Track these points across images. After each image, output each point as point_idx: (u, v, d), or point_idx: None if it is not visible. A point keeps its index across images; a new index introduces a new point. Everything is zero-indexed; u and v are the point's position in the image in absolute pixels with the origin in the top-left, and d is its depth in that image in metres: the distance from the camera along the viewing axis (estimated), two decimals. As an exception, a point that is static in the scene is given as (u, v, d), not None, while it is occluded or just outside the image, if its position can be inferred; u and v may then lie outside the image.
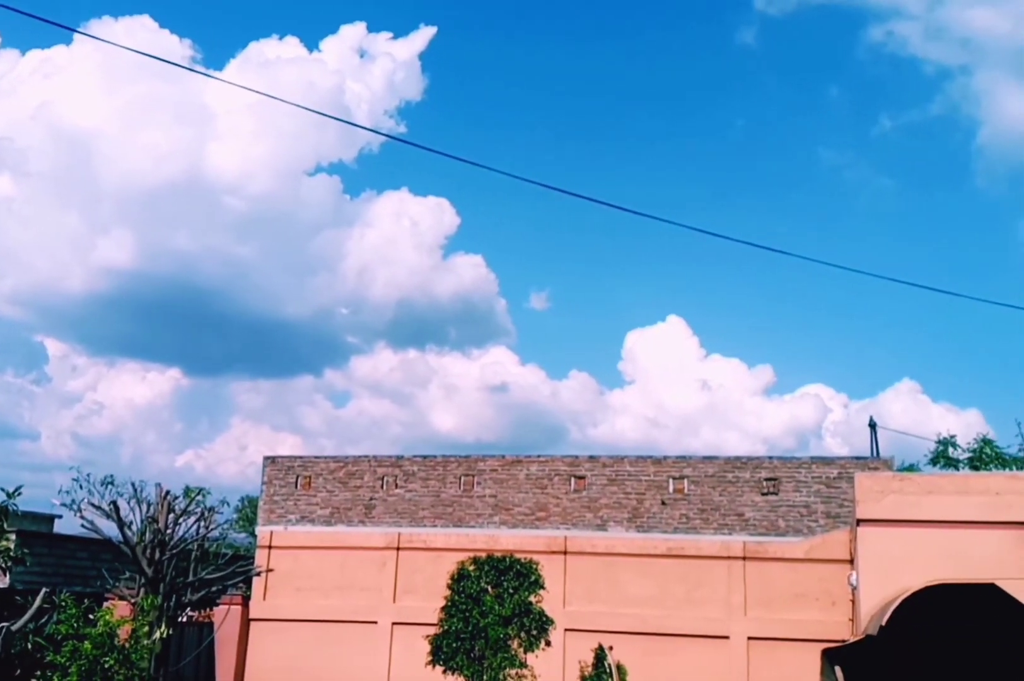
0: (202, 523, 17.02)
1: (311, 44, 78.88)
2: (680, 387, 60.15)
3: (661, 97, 66.64)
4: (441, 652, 17.95)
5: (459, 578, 18.31)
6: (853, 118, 64.54)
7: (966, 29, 57.16)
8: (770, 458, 18.87)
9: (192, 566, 16.86)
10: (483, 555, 18.36)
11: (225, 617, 18.76)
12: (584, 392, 66.28)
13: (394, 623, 18.68)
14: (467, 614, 17.93)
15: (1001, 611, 9.99)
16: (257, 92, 12.35)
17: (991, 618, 11.11)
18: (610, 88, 67.76)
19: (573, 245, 69.36)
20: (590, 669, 17.13)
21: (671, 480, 18.84)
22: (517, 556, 18.26)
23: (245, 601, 19.44)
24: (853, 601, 15.24)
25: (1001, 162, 60.31)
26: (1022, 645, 11.88)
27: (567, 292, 70.31)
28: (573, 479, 19.18)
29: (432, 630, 18.16)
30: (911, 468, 26.12)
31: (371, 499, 20.03)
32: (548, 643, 17.69)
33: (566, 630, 17.74)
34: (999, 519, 13.12)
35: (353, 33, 61.75)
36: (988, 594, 9.81)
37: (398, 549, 19.08)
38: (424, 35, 63.14)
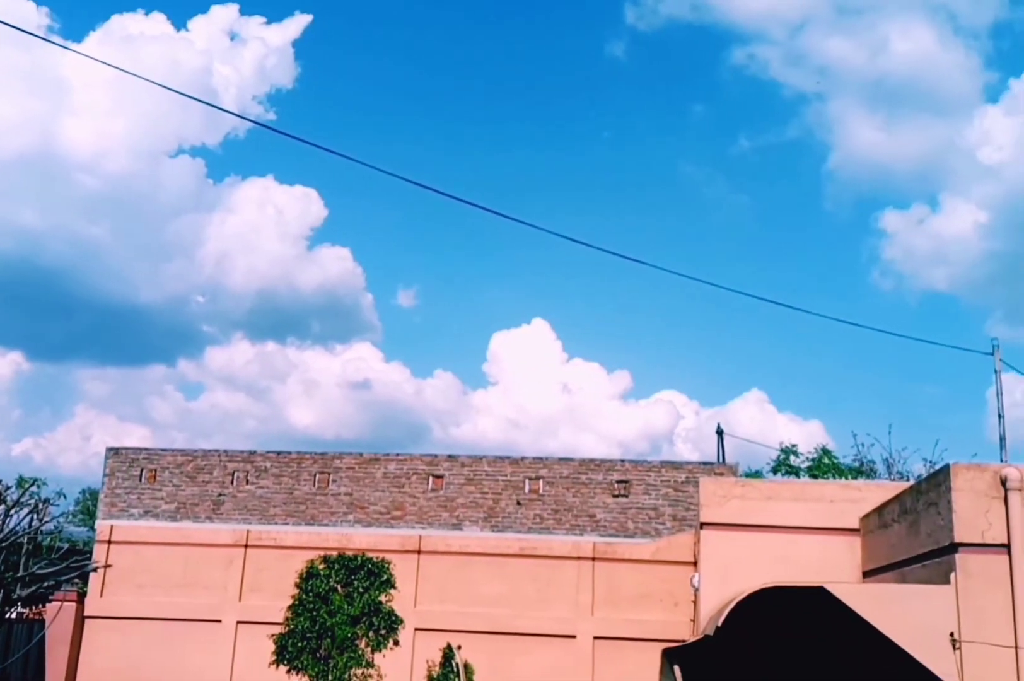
0: (35, 515, 16.19)
1: (179, 22, 76.12)
2: (542, 389, 60.93)
3: (533, 102, 67.49)
4: (286, 651, 17.67)
5: (308, 577, 18.04)
6: (714, 136, 66.98)
7: (823, 58, 60.09)
8: (622, 461, 19.32)
9: (23, 560, 16.01)
10: (335, 554, 18.15)
11: (57, 614, 17.90)
12: (448, 391, 66.31)
13: (239, 622, 18.22)
14: (314, 613, 17.70)
15: (829, 613, 10.53)
16: (116, 68, 11.82)
17: (819, 619, 11.69)
18: (483, 91, 68.17)
19: (443, 243, 69.34)
20: (437, 668, 17.17)
21: (527, 481, 19.04)
22: (370, 555, 18.13)
23: (80, 598, 18.60)
24: (695, 602, 15.76)
25: (848, 188, 63.68)
26: (846, 645, 12.54)
27: (435, 290, 70.21)
28: (431, 478, 19.16)
29: (278, 629, 17.84)
30: (755, 474, 27.23)
31: (220, 495, 19.48)
32: (396, 642, 17.64)
33: (416, 629, 17.70)
34: (832, 525, 13.81)
35: (224, 14, 60.01)
36: (818, 596, 10.32)
37: (246, 546, 18.62)
38: (299, 22, 61.94)
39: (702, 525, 14.53)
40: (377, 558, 18.07)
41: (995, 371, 21.94)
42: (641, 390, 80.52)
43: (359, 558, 18.06)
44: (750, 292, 18.68)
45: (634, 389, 69.19)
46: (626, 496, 18.85)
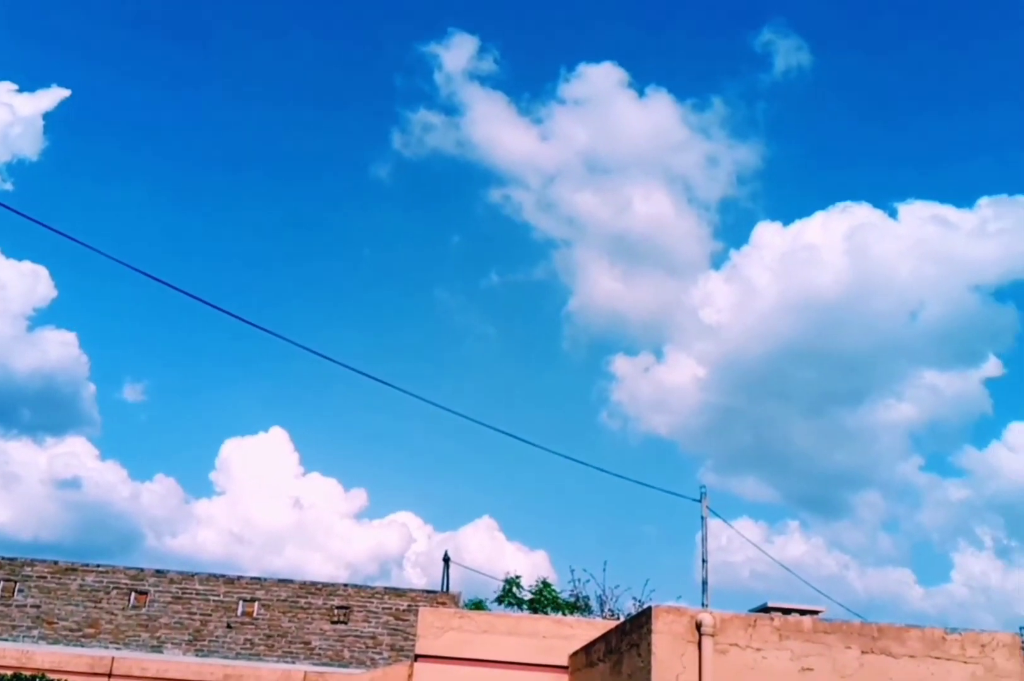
0: None
1: (-85, 76, 70.99)
2: (272, 503, 58.53)
3: (292, 208, 67.99)
4: None
5: (-28, 701, 15.97)
6: (468, 267, 69.89)
7: (572, 208, 64.60)
8: (345, 586, 18.81)
9: None
10: (9, 673, 16.24)
11: None
12: (168, 497, 62.08)
13: None
14: (-27, 744, 15.60)
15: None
16: None
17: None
18: (241, 191, 67.60)
19: (180, 340, 66.26)
20: None
21: (242, 602, 18.08)
22: (52, 677, 16.33)
23: None
24: (401, 738, 15.27)
25: (584, 331, 67.83)
26: None
27: (166, 387, 66.44)
28: (134, 594, 17.76)
29: (-76, 763, 15.54)
30: (480, 604, 27.22)
31: None
32: (65, 778, 15.80)
33: (93, 763, 15.97)
34: (543, 662, 13.95)
35: (-28, 75, 56.79)
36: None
37: (-98, 663, 16.31)
38: (54, 95, 59.41)
39: (417, 657, 14.27)
40: (59, 680, 16.33)
41: (702, 517, 23.53)
42: (376, 510, 79.19)
43: (37, 679, 16.24)
44: (483, 420, 19.24)
45: (369, 508, 67.94)
46: (345, 623, 18.28)
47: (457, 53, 61.83)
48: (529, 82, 74.31)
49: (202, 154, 67.27)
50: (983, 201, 60.93)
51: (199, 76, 68.02)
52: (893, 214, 60.39)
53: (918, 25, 67.66)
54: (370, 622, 18.39)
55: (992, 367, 59.34)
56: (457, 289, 68.26)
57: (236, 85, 68.69)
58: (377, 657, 18.25)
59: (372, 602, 18.38)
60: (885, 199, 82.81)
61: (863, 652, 10.29)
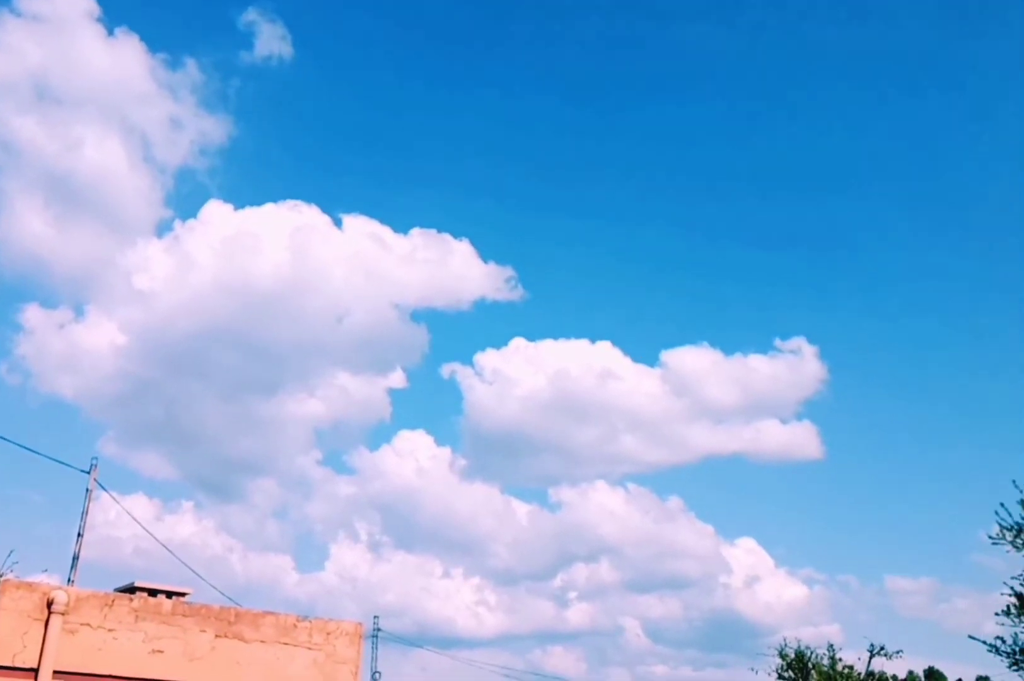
0: None
1: None
2: None
3: None
4: None
5: None
6: None
7: (9, 133, 58.01)
8: None
9: None
10: None
11: None
12: None
13: None
14: None
15: None
16: None
17: None
18: None
19: None
20: None
21: None
22: None
23: None
24: None
25: (-6, 270, 61.26)
26: None
27: None
28: None
29: None
30: None
31: None
32: None
33: None
34: None
35: None
36: None
37: None
38: None
39: None
40: None
41: (87, 489, 22.25)
42: None
43: None
44: None
45: None
46: None
47: None
48: (-16, -18, 65.08)
49: None
50: (416, 231, 67.64)
51: None
52: (338, 223, 64.02)
53: (406, 42, 71.89)
54: None
55: (397, 378, 65.64)
56: None
57: None
58: None
59: None
60: (334, 206, 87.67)
61: (217, 636, 10.52)
